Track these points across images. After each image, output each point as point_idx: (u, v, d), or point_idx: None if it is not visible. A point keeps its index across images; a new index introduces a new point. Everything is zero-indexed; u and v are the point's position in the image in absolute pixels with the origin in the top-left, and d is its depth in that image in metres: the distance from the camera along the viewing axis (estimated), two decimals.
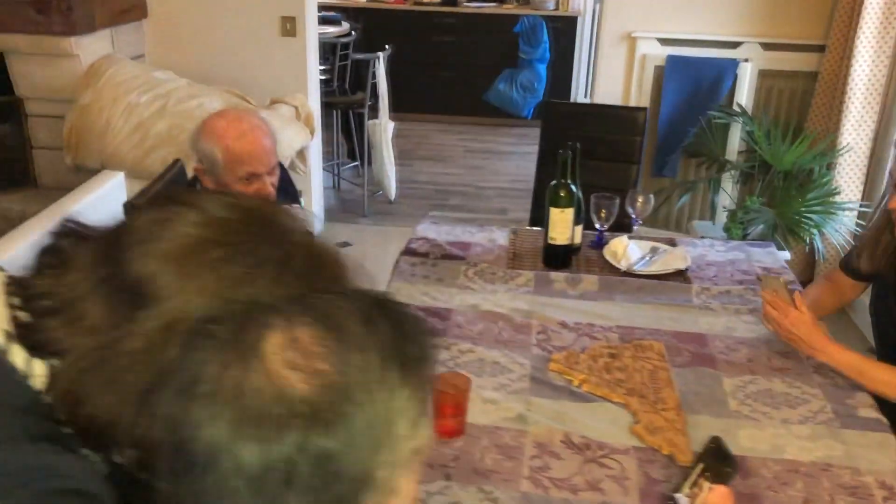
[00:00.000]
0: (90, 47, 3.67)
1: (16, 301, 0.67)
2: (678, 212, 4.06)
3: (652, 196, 2.28)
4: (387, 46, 4.86)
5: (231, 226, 0.70)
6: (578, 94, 6.01)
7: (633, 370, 1.65)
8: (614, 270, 2.12)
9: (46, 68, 3.66)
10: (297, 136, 3.87)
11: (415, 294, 1.96)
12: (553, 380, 1.62)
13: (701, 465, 1.22)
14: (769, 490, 1.33)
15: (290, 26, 4.01)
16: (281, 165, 2.09)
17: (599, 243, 2.26)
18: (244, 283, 0.66)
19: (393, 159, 4.79)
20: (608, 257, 2.16)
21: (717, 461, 1.23)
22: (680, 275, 2.10)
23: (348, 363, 0.58)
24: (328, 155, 5.24)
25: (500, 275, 2.09)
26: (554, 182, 2.08)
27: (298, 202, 2.41)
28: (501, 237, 2.34)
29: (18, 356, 0.65)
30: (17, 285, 0.68)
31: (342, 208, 4.93)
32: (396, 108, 5.78)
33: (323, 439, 0.55)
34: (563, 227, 2.10)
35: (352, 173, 5.35)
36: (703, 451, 1.27)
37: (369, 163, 4.91)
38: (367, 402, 0.57)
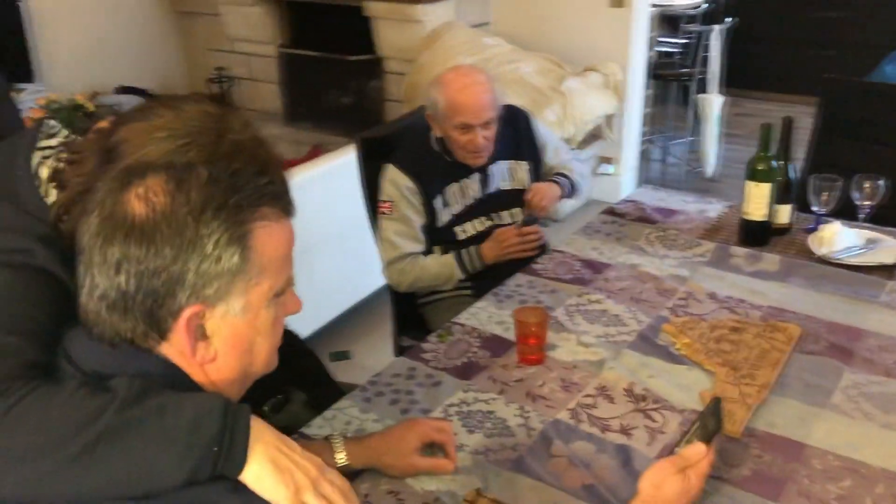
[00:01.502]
0: (434, 14, 4.21)
1: (62, 155, 1.05)
2: None
3: (882, 182, 2.06)
4: (727, 19, 4.72)
5: (188, 120, 1.00)
6: None
7: (746, 346, 1.61)
8: (810, 255, 2.00)
9: (399, 32, 4.30)
10: (601, 103, 4.02)
11: (584, 247, 2.09)
12: (658, 339, 1.66)
13: (697, 424, 1.23)
14: (806, 478, 1.27)
15: None
16: (526, 118, 2.31)
17: (814, 229, 2.12)
18: (173, 153, 0.96)
19: (716, 135, 4.68)
20: (811, 243, 2.03)
21: (711, 420, 1.22)
22: (885, 270, 1.91)
23: (176, 200, 0.85)
24: (660, 127, 5.27)
25: (681, 242, 2.10)
26: (754, 155, 2.02)
27: (535, 157, 2.47)
28: (714, 210, 2.31)
29: (52, 193, 1.03)
30: (67, 146, 1.06)
31: (661, 181, 4.95)
32: (743, 84, 5.56)
33: (141, 245, 0.83)
34: (758, 201, 2.03)
35: (685, 147, 5.31)
36: (704, 410, 1.26)
37: (696, 137, 4.85)
38: (181, 225, 0.84)
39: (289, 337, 1.85)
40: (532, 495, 1.25)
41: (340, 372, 1.83)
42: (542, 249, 2.19)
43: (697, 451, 1.15)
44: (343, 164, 2.65)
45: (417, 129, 2.25)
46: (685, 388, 1.50)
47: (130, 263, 0.84)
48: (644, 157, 5.18)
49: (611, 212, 2.32)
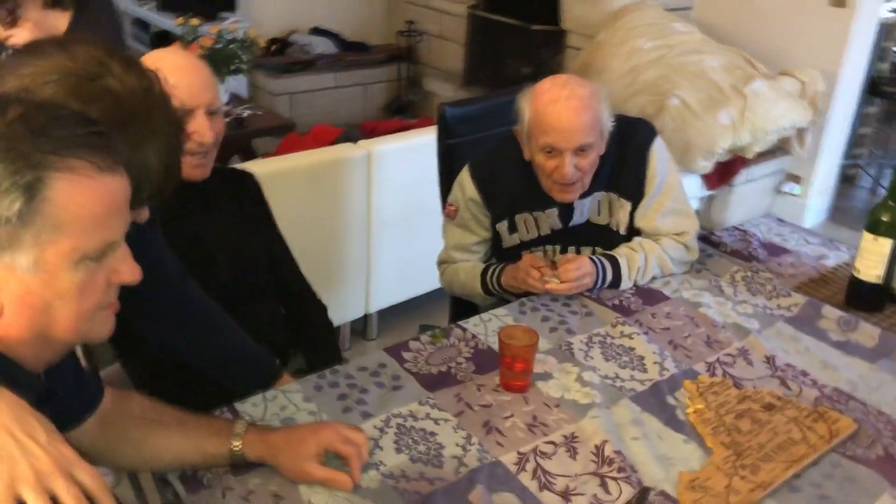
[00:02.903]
0: None
1: None
2: None
3: None
4: None
5: (70, 60, 0.94)
6: None
7: (771, 429, 1.33)
8: None
9: (586, 6, 4.05)
10: (789, 114, 3.56)
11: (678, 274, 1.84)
12: (670, 397, 1.41)
13: None
14: None
15: None
16: (645, 140, 1.80)
17: None
18: (31, 88, 0.90)
19: None
20: None
21: None
22: None
23: None
24: (880, 151, 4.62)
25: (769, 289, 1.78)
26: (880, 201, 1.66)
27: (639, 197, 1.83)
28: (837, 258, 1.94)
29: None
30: None
31: (858, 213, 4.33)
32: None
33: None
34: (873, 259, 1.67)
35: None
36: (631, 499, 1.03)
37: None
38: None
39: (307, 301, 1.81)
40: None
41: None
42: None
43: None
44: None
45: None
46: (665, 462, 1.26)
47: None
48: (848, 181, 4.57)
49: (706, 238, 2.02)
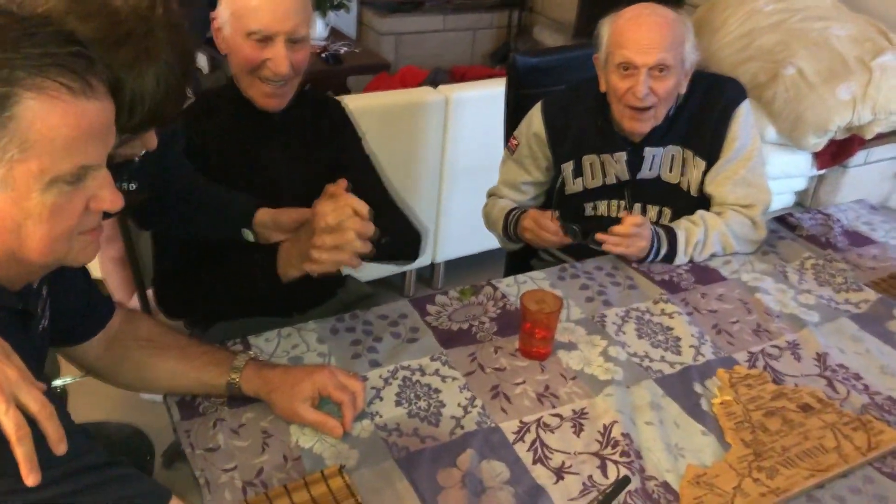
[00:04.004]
0: None
1: None
2: None
3: None
4: None
5: None
6: None
7: (802, 433, 1.22)
8: None
9: None
10: None
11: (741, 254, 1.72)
12: (698, 385, 1.32)
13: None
14: None
15: None
16: (732, 100, 1.70)
17: None
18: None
19: None
20: None
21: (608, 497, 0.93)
22: None
23: None
24: None
25: (840, 281, 1.63)
26: None
27: (715, 158, 1.71)
28: None
29: None
30: None
31: None
32: None
33: None
34: None
35: None
36: (609, 487, 0.96)
37: None
38: None
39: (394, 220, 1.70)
40: (390, 499, 1.07)
41: None
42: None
43: None
44: None
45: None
46: (675, 452, 1.18)
47: None
48: None
49: (783, 220, 1.87)
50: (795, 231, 1.82)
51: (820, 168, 3.43)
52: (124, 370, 1.19)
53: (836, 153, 3.42)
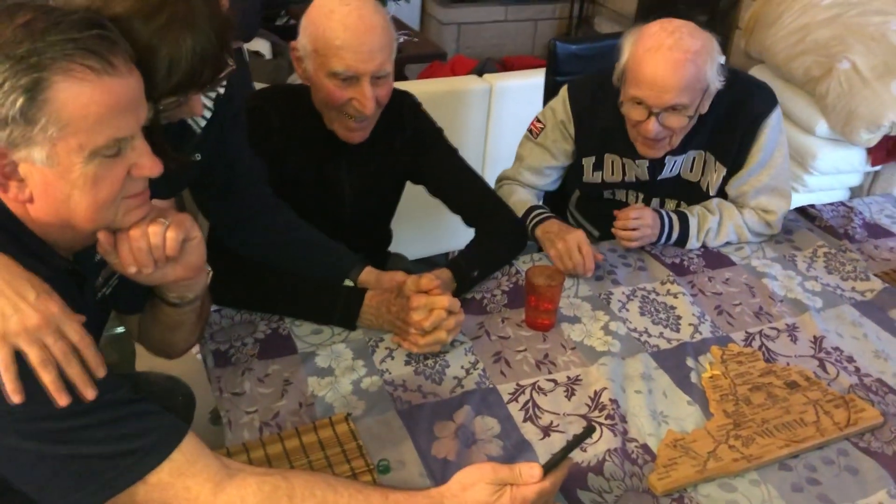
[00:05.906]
0: None
1: None
2: None
3: None
4: None
5: None
6: None
7: (784, 407, 1.29)
8: None
9: None
10: None
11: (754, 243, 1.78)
12: (690, 359, 1.40)
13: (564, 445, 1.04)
14: None
15: None
16: (760, 115, 1.66)
17: None
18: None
19: None
20: None
21: (571, 447, 1.03)
22: None
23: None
24: None
25: (849, 270, 1.68)
26: None
27: (737, 167, 1.72)
28: None
29: None
30: None
31: None
32: None
33: None
34: None
35: None
36: (578, 434, 1.05)
37: None
38: None
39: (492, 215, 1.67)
40: (388, 445, 1.19)
41: None
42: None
43: (529, 474, 1.00)
44: None
45: None
46: (659, 418, 1.27)
47: None
48: None
49: (803, 210, 1.91)
50: (815, 222, 1.87)
51: (874, 164, 3.39)
52: (152, 335, 1.31)
53: (893, 149, 3.38)
